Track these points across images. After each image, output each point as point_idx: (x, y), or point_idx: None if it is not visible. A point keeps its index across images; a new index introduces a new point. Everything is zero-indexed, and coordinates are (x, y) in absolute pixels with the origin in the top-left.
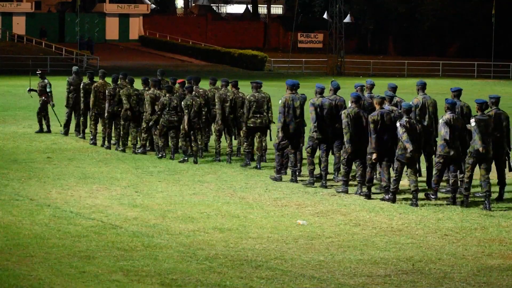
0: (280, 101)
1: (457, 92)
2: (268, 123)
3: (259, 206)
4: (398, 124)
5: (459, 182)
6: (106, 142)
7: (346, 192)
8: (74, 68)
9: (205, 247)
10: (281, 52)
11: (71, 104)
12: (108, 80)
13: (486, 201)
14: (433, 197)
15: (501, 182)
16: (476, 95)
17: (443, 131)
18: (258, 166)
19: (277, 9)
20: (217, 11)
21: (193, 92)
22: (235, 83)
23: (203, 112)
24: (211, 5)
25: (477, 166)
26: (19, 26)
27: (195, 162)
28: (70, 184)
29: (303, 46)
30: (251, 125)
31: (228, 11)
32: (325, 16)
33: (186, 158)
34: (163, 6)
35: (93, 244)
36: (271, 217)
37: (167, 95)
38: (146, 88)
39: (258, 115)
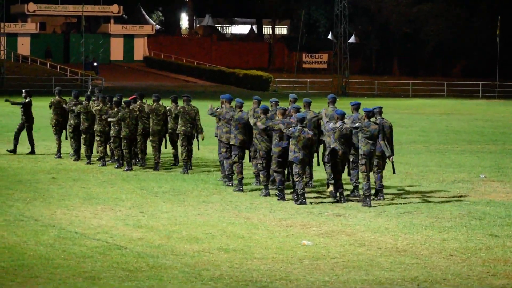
0: (218, 110)
1: (356, 106)
2: (195, 132)
3: (264, 226)
4: (290, 130)
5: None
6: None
7: (268, 195)
8: (57, 89)
9: (210, 267)
10: (285, 73)
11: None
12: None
13: (367, 199)
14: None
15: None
16: (481, 115)
17: (331, 138)
18: (186, 171)
19: (281, 30)
20: (221, 31)
21: (136, 106)
22: (174, 98)
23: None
24: (216, 25)
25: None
26: (24, 46)
27: (130, 169)
28: (75, 205)
29: (307, 67)
30: (182, 133)
31: (232, 32)
32: (329, 36)
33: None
34: (168, 27)
35: (98, 265)
36: (276, 238)
37: (115, 108)
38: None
39: (188, 125)
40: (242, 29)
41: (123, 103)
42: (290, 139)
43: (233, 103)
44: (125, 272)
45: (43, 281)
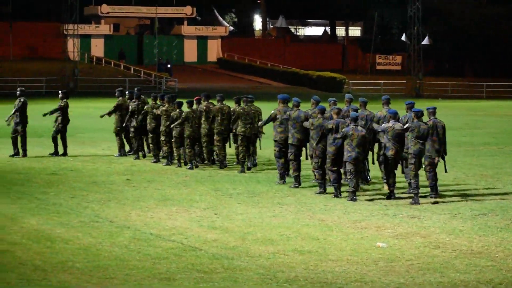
0: (272, 112)
1: (410, 105)
2: (257, 132)
3: (339, 228)
4: (344, 130)
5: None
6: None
7: (323, 193)
8: (118, 90)
9: (285, 269)
10: (359, 74)
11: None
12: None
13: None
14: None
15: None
16: None
17: (384, 137)
18: (250, 167)
19: (355, 31)
20: (295, 33)
21: (202, 106)
22: (237, 100)
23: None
24: (289, 27)
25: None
26: (97, 48)
27: (196, 167)
28: (150, 206)
29: (381, 68)
30: (242, 134)
31: (306, 33)
32: (403, 38)
33: (192, 166)
34: (241, 28)
35: (173, 266)
36: (350, 240)
37: (177, 110)
38: (161, 104)
39: (248, 125)
40: (315, 30)
41: (186, 104)
42: (345, 138)
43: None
44: (200, 273)
45: (118, 282)
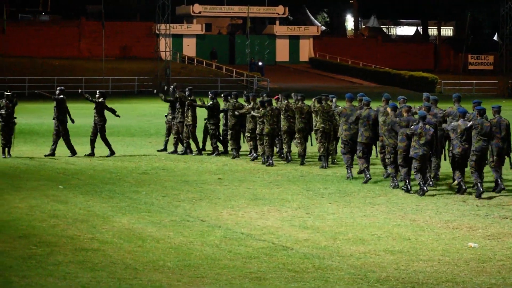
0: (339, 109)
1: (476, 104)
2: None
3: (430, 228)
4: (412, 127)
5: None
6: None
7: (397, 187)
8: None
9: (376, 269)
10: (451, 74)
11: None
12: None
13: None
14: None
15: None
16: None
17: (452, 134)
18: (326, 165)
19: (447, 31)
20: (387, 33)
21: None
22: (319, 99)
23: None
24: (381, 27)
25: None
26: (189, 48)
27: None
28: (241, 205)
29: (473, 68)
30: (321, 129)
31: (398, 33)
32: (495, 37)
33: (271, 162)
34: (333, 28)
35: (264, 266)
36: (442, 240)
37: (260, 108)
38: (235, 103)
39: (327, 122)
40: (407, 30)
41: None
42: (412, 136)
43: (355, 103)
44: (291, 273)
45: (209, 281)
